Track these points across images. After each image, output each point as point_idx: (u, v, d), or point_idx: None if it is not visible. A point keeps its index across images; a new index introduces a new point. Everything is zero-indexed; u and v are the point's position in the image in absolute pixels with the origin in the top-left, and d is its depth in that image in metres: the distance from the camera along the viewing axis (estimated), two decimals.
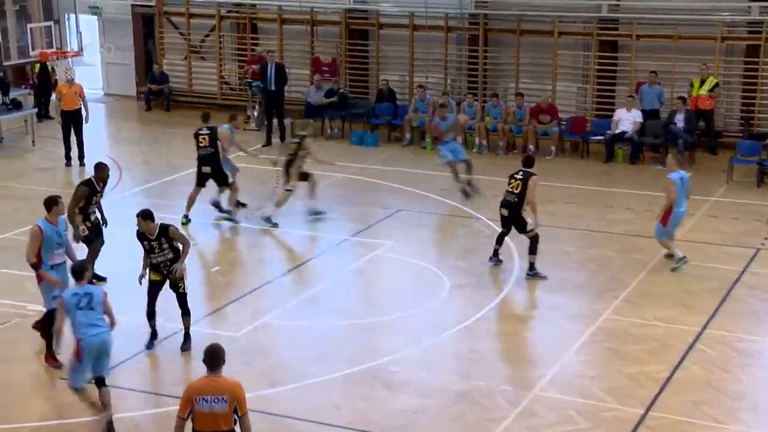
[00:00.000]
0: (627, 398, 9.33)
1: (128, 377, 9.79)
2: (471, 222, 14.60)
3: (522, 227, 12.31)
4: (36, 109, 20.65)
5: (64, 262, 9.90)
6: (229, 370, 7.04)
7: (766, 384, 9.91)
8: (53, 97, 19.82)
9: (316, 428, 8.82)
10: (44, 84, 21.43)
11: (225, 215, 14.29)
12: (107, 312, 8.65)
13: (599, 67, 19.54)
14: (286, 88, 19.86)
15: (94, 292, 8.62)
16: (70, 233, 10.49)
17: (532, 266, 12.30)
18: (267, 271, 12.90)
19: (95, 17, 24.01)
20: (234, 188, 14.34)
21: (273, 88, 19.41)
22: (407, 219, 14.86)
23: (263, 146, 19.07)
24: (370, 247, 13.52)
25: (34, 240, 9.54)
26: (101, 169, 11.70)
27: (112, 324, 8.73)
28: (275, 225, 14.23)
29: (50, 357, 9.77)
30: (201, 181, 14.38)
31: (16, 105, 19.95)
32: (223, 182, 14.36)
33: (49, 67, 21.28)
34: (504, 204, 12.38)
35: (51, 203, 9.79)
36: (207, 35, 23.13)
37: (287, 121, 20.01)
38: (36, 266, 9.57)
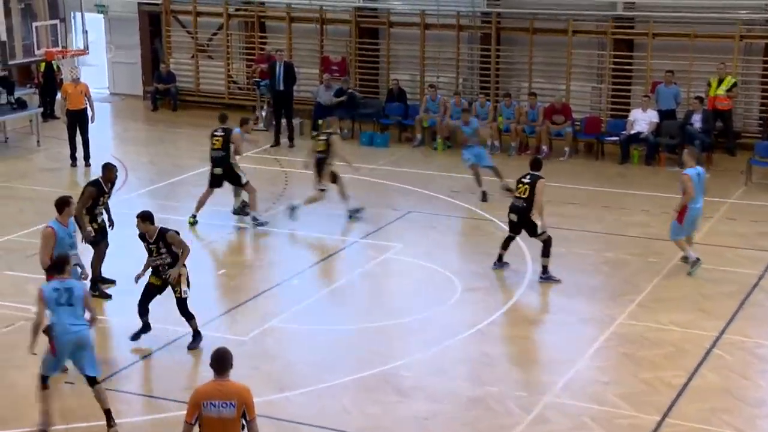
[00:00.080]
0: (643, 405, 9.29)
1: (133, 382, 9.80)
2: (483, 224, 14.57)
3: (533, 231, 12.29)
4: (41, 109, 20.73)
5: (76, 264, 9.94)
6: (236, 375, 7.03)
7: None
8: (58, 96, 19.88)
9: None
10: (49, 83, 21.50)
11: (256, 222, 14.20)
12: (88, 308, 8.64)
13: (614, 67, 19.49)
14: (294, 87, 19.88)
15: (74, 287, 8.60)
16: (77, 235, 10.50)
17: (545, 269, 12.27)
18: (275, 273, 12.90)
19: (101, 15, 24.09)
20: (249, 189, 14.32)
21: (282, 87, 19.43)
22: (418, 221, 14.84)
23: (271, 146, 19.09)
24: (380, 250, 13.51)
25: (48, 241, 9.51)
26: (109, 169, 11.71)
27: (93, 321, 8.72)
28: (294, 216, 14.28)
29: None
30: (213, 183, 14.37)
31: (21, 104, 20.01)
32: (236, 183, 14.34)
33: (55, 66, 21.34)
34: (513, 209, 12.36)
35: (63, 204, 9.79)
36: (215, 34, 23.17)
37: (296, 121, 20.04)
38: (52, 269, 9.55)
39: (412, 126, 19.81)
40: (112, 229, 11.84)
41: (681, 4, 19.05)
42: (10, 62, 19.86)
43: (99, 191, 11.53)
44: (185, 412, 6.97)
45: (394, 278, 12.92)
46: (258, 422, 6.97)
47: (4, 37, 19.23)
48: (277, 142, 19.33)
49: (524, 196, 12.18)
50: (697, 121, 17.83)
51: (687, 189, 12.25)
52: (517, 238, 12.75)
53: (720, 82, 18.03)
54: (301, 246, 13.82)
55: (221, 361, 6.93)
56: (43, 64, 21.22)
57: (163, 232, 10.19)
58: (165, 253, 10.19)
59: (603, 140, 18.83)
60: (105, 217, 11.84)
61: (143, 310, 10.45)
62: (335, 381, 9.71)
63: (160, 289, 10.42)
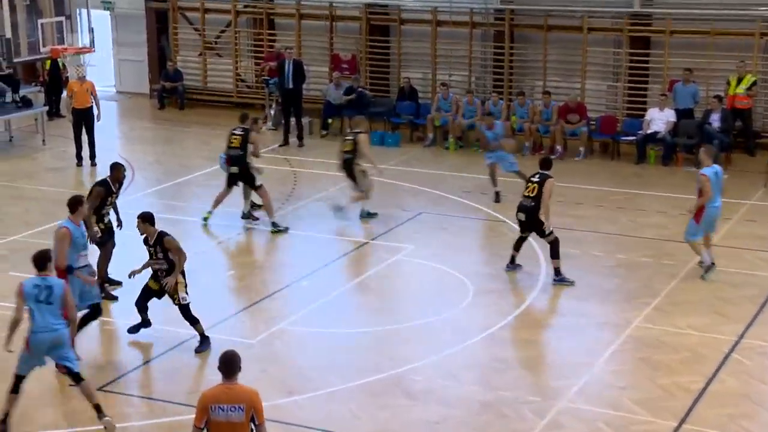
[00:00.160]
0: (659, 410, 9.28)
1: (140, 385, 9.84)
2: (496, 225, 14.58)
3: (541, 231, 12.30)
4: (46, 107, 20.80)
5: (88, 265, 10.01)
6: (244, 378, 7.05)
7: None
8: (64, 94, 19.97)
9: None
10: (55, 81, 21.58)
11: (276, 228, 14.23)
12: (67, 307, 8.66)
13: (631, 65, 19.46)
14: (304, 85, 19.91)
15: (54, 285, 8.64)
16: None
17: (557, 271, 12.26)
18: (284, 275, 12.93)
19: (107, 12, 24.19)
20: (262, 193, 14.32)
21: (291, 85, 19.46)
22: (429, 222, 14.85)
23: (280, 146, 19.13)
24: (390, 251, 13.52)
25: (64, 242, 9.53)
26: (117, 169, 11.76)
27: (71, 320, 8.77)
28: (341, 214, 14.43)
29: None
30: (230, 182, 14.40)
31: (26, 103, 20.09)
32: (250, 184, 14.36)
33: (60, 64, 21.43)
34: (521, 208, 12.38)
35: (76, 203, 9.82)
36: (222, 31, 23.22)
37: (305, 120, 20.08)
38: (70, 269, 9.61)
39: (424, 125, 19.82)
40: (120, 228, 11.89)
41: (699, 1, 19.01)
42: (15, 60, 20.00)
43: (107, 191, 11.57)
44: (193, 416, 6.99)
45: (404, 280, 12.93)
46: (266, 426, 6.98)
47: (9, 34, 19.35)
48: (286, 142, 19.37)
49: (533, 195, 12.20)
50: (715, 120, 17.78)
51: (704, 190, 12.20)
52: (531, 239, 12.74)
53: (739, 80, 17.98)
54: (311, 247, 13.84)
55: (229, 364, 6.95)
56: (48, 62, 21.31)
57: (162, 235, 10.25)
58: (162, 259, 10.26)
59: (619, 140, 18.80)
60: (112, 217, 11.89)
61: (141, 308, 10.56)
62: (344, 385, 9.73)
63: (158, 294, 10.48)
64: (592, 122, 19.09)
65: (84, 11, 21.29)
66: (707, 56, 18.71)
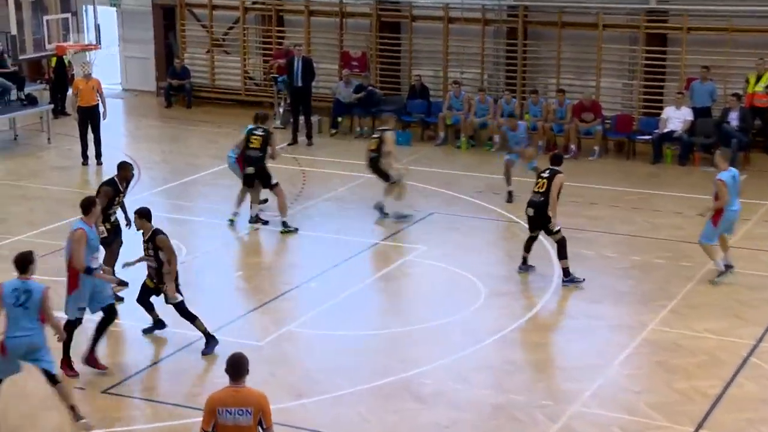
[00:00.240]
0: (676, 415, 9.25)
1: (146, 387, 9.86)
2: (508, 226, 14.56)
3: (548, 229, 12.29)
4: (52, 105, 20.87)
5: (99, 267, 10.06)
6: (251, 381, 7.06)
7: None
8: (70, 92, 20.04)
9: None
10: (61, 79, 21.67)
11: (287, 229, 14.24)
12: (45, 312, 8.67)
13: (647, 62, 19.42)
14: (313, 83, 19.93)
15: (34, 290, 8.64)
16: None
17: (566, 272, 12.26)
18: (293, 276, 12.95)
19: (114, 9, 24.26)
20: (278, 192, 14.33)
21: (300, 83, 19.48)
22: (440, 222, 14.85)
23: (288, 145, 19.14)
24: (401, 252, 13.53)
25: (81, 243, 9.53)
26: (125, 168, 11.79)
27: (52, 326, 8.77)
28: (406, 217, 14.57)
29: (66, 365, 9.87)
30: (247, 182, 14.40)
31: (32, 101, 20.17)
32: (266, 183, 14.36)
33: (66, 61, 21.51)
34: (530, 203, 12.41)
35: (90, 205, 9.83)
36: (230, 28, 23.27)
37: (314, 119, 20.09)
38: (90, 270, 9.63)
39: (435, 124, 19.82)
40: (129, 228, 11.90)
41: None
42: (21, 57, 20.05)
43: (115, 190, 11.61)
44: (200, 419, 7.01)
45: (415, 282, 12.94)
46: (274, 430, 6.99)
47: (15, 31, 19.42)
48: (294, 140, 19.39)
49: (542, 191, 12.22)
50: (734, 119, 17.73)
51: (721, 195, 12.17)
52: (543, 240, 12.73)
53: (758, 78, 17.91)
54: (320, 248, 13.86)
55: (237, 366, 6.96)
56: (54, 59, 21.38)
57: (156, 233, 10.33)
58: (152, 256, 10.32)
59: (634, 139, 18.76)
60: (119, 216, 11.93)
61: (146, 307, 10.60)
62: (353, 388, 9.74)
63: (155, 292, 10.53)
64: (606, 121, 19.05)
65: (90, 8, 21.34)
66: (725, 53, 18.65)
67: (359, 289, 12.36)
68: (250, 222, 14.51)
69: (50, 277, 12.36)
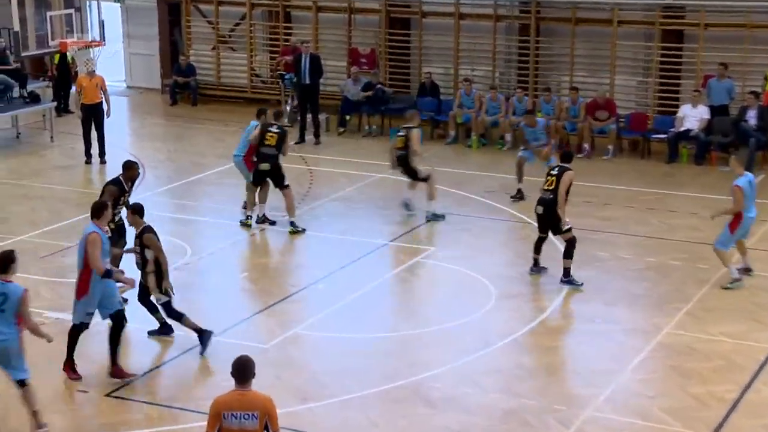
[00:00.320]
0: (691, 420, 9.24)
1: (150, 391, 9.88)
2: (520, 226, 14.55)
3: (557, 228, 12.28)
4: (55, 103, 20.94)
5: (119, 269, 10.13)
6: (257, 384, 7.07)
7: None
8: (73, 89, 20.09)
9: None
10: (64, 76, 21.72)
11: (294, 229, 14.24)
12: (23, 315, 8.65)
13: (662, 59, 19.38)
14: (321, 81, 19.95)
15: (10, 292, 8.63)
16: None
17: (567, 272, 12.26)
18: (300, 277, 12.97)
19: (118, 5, 24.32)
20: (288, 193, 14.36)
21: (307, 81, 19.50)
22: (450, 223, 14.84)
23: (296, 143, 19.15)
24: (410, 253, 13.53)
25: (96, 246, 9.52)
26: (132, 167, 11.80)
27: (30, 330, 8.76)
28: (442, 217, 14.68)
29: (69, 368, 9.89)
30: (258, 180, 14.42)
31: (34, 98, 20.23)
32: (279, 183, 14.38)
33: (69, 58, 21.57)
34: (539, 201, 12.43)
35: (102, 208, 9.84)
36: (237, 24, 23.31)
37: (322, 117, 20.11)
38: (109, 273, 9.65)
39: (446, 122, 19.81)
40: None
41: None
42: (23, 54, 20.14)
43: (120, 190, 11.63)
44: (205, 423, 7.02)
45: (425, 283, 12.94)
46: None
47: (17, 28, 19.49)
48: (302, 139, 19.40)
49: (551, 188, 12.23)
50: (752, 117, 17.68)
51: (737, 202, 12.14)
52: (555, 241, 12.72)
53: None
54: (328, 248, 13.87)
55: (243, 369, 6.96)
56: (57, 56, 21.44)
57: (145, 230, 10.43)
58: (139, 254, 10.45)
59: (649, 138, 18.73)
60: (124, 216, 11.95)
61: (148, 307, 10.64)
62: (361, 392, 9.74)
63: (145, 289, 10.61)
64: (621, 119, 19.02)
65: (94, 3, 21.42)
66: (743, 50, 18.60)
67: (368, 290, 12.36)
68: (257, 222, 14.54)
69: (51, 278, 12.47)
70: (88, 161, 18.03)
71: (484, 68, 20.70)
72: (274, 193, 14.63)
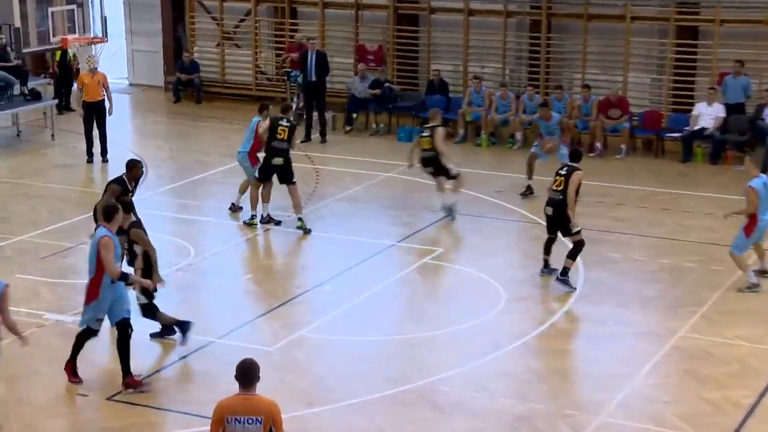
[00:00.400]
0: (707, 426, 9.21)
1: (151, 394, 9.86)
2: (530, 227, 14.53)
3: (566, 229, 12.25)
4: (56, 101, 20.97)
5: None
6: (262, 388, 7.06)
7: None
8: (75, 87, 20.12)
9: None
10: (65, 73, 21.76)
11: (302, 226, 14.27)
12: (1, 311, 8.62)
13: (677, 56, 19.33)
14: (327, 78, 19.94)
15: None
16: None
17: (565, 271, 12.22)
18: (305, 279, 12.96)
19: (121, 0, 24.35)
20: (294, 190, 14.37)
21: (313, 78, 19.50)
22: (459, 223, 14.83)
23: (302, 142, 19.14)
24: (418, 254, 13.52)
25: (110, 251, 9.45)
26: (136, 167, 11.80)
27: (7, 327, 8.72)
28: (453, 216, 14.71)
29: (71, 370, 9.87)
30: (265, 175, 14.42)
31: (35, 96, 20.26)
32: (288, 179, 14.41)
33: (71, 55, 21.60)
34: (549, 202, 12.41)
35: (113, 211, 9.79)
36: (242, 20, 23.32)
37: (329, 115, 20.11)
38: (125, 277, 9.63)
39: (455, 120, 19.79)
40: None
41: None
42: (24, 50, 20.16)
43: (123, 190, 11.63)
44: (208, 427, 7.01)
45: (433, 285, 12.92)
46: None
47: (18, 24, 19.52)
48: (308, 137, 19.40)
49: (560, 189, 12.19)
50: None
51: (751, 204, 12.10)
52: (566, 242, 12.69)
53: None
54: (334, 249, 13.86)
55: (247, 373, 6.94)
56: (58, 53, 21.48)
57: (132, 225, 10.47)
58: (127, 249, 10.50)
59: (663, 137, 18.69)
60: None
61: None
62: (368, 396, 9.73)
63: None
64: (634, 118, 18.98)
65: None
66: (760, 47, 18.55)
67: (374, 292, 12.35)
68: (261, 222, 14.54)
69: (52, 279, 12.49)
70: (90, 160, 18.04)
71: (494, 65, 20.68)
72: (276, 192, 14.63)
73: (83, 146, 18.16)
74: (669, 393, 9.93)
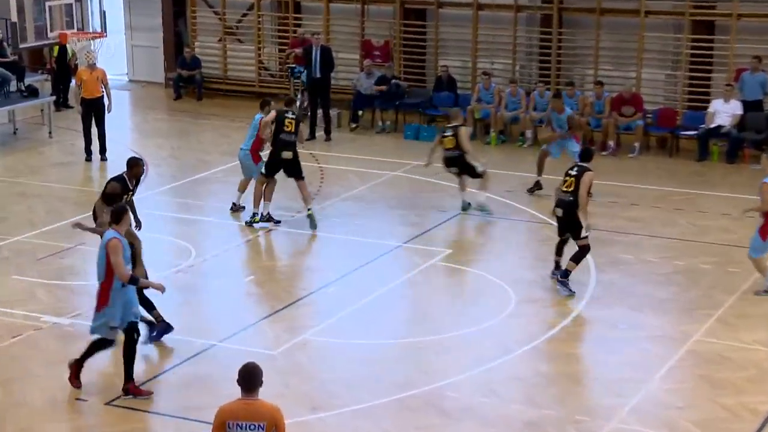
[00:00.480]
0: None
1: (151, 399, 9.88)
2: (540, 228, 14.53)
3: (576, 233, 12.23)
4: (54, 97, 21.02)
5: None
6: (265, 392, 7.07)
7: None
8: (73, 83, 20.16)
9: None
10: (63, 69, 21.82)
11: (311, 216, 14.41)
12: None
13: (692, 51, 19.32)
14: (332, 74, 19.96)
15: None
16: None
17: (566, 273, 12.21)
18: (309, 281, 12.98)
19: None
20: (303, 185, 14.46)
21: (318, 74, 19.53)
22: (468, 224, 14.84)
23: (306, 140, 19.15)
24: (425, 256, 13.53)
25: (119, 253, 9.41)
26: (137, 164, 11.81)
27: None
28: (488, 211, 14.83)
29: (74, 373, 9.84)
30: (272, 170, 14.44)
31: (32, 92, 20.31)
32: (297, 173, 14.44)
33: (69, 50, 21.65)
34: (558, 203, 12.39)
35: (123, 212, 9.79)
36: (244, 15, 23.36)
37: (333, 112, 20.13)
38: (135, 280, 9.62)
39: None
40: (139, 229, 11.94)
41: None
42: (21, 45, 20.20)
43: (123, 188, 11.64)
44: None
45: (440, 287, 12.93)
46: None
47: (15, 18, 19.57)
48: (312, 135, 19.42)
49: (570, 190, 12.17)
50: None
51: (765, 201, 12.08)
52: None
53: None
54: (339, 251, 13.88)
55: (250, 377, 6.95)
56: (56, 48, 21.54)
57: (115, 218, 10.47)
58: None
59: (678, 135, 18.68)
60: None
61: (145, 305, 10.62)
62: (374, 401, 9.74)
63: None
64: (648, 115, 18.98)
65: None
66: None
67: (380, 294, 12.36)
68: (261, 221, 14.55)
69: (49, 281, 12.53)
70: (88, 158, 18.09)
71: (504, 61, 20.68)
72: (277, 193, 14.66)
73: (81, 144, 18.21)
74: (683, 398, 9.92)
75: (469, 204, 15.12)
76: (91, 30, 21.31)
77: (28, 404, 9.63)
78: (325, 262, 13.58)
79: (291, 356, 10.72)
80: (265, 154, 14.85)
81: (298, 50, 20.78)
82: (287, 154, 14.30)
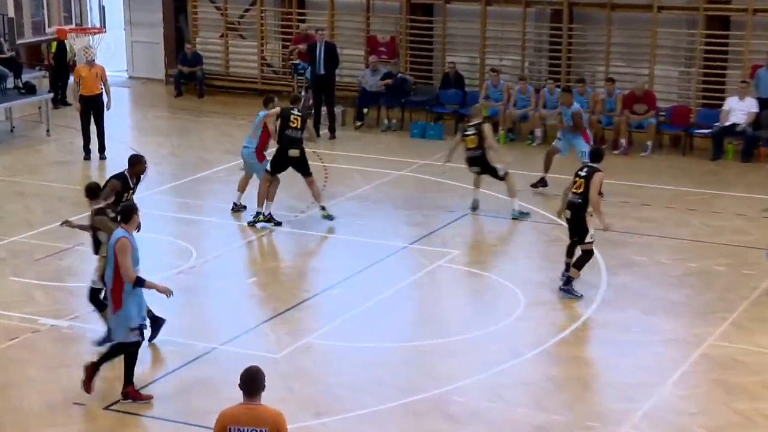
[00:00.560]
0: None
1: (151, 404, 9.90)
2: (550, 228, 14.53)
3: (582, 236, 12.21)
4: (51, 94, 21.08)
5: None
6: (267, 397, 7.08)
7: None
8: (71, 80, 20.21)
9: None
10: (61, 65, 21.87)
11: (326, 212, 14.61)
12: None
13: (706, 48, 19.30)
14: (337, 71, 19.98)
15: None
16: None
17: (569, 281, 12.20)
18: (313, 283, 13.00)
19: None
20: (312, 182, 14.55)
21: (322, 71, 19.55)
22: (476, 224, 14.85)
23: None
24: (432, 257, 13.54)
25: (126, 254, 9.41)
26: (139, 162, 11.82)
27: None
28: (527, 214, 14.94)
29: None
30: (278, 168, 14.49)
31: (30, 89, 20.37)
32: (305, 170, 14.50)
33: (68, 47, 21.70)
34: (568, 205, 12.39)
35: (131, 212, 9.80)
36: (247, 10, 23.39)
37: (338, 110, 20.15)
38: (141, 282, 9.59)
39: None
40: (138, 231, 11.93)
41: None
42: (18, 41, 20.27)
43: (124, 186, 11.65)
44: None
45: (447, 289, 12.94)
46: None
47: (12, 13, 19.63)
48: (316, 134, 19.41)
49: (580, 191, 12.17)
50: None
51: None
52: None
53: None
54: (343, 252, 13.90)
55: (252, 381, 6.96)
56: (54, 44, 21.58)
57: (97, 212, 10.57)
58: (92, 236, 10.66)
59: (692, 133, 18.67)
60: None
61: (99, 308, 10.67)
62: (379, 406, 9.75)
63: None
64: (661, 113, 18.97)
65: None
66: None
67: (386, 296, 12.37)
68: (263, 221, 14.59)
69: (47, 282, 12.55)
70: (87, 157, 18.13)
71: (513, 58, 20.69)
72: (282, 191, 14.69)
73: (80, 142, 18.25)
74: (697, 404, 9.92)
75: (479, 203, 15.13)
76: (90, 25, 21.37)
77: (25, 408, 9.66)
78: (329, 264, 13.60)
79: (294, 360, 10.73)
80: (270, 152, 14.88)
81: (302, 46, 20.81)
82: (294, 152, 14.35)
